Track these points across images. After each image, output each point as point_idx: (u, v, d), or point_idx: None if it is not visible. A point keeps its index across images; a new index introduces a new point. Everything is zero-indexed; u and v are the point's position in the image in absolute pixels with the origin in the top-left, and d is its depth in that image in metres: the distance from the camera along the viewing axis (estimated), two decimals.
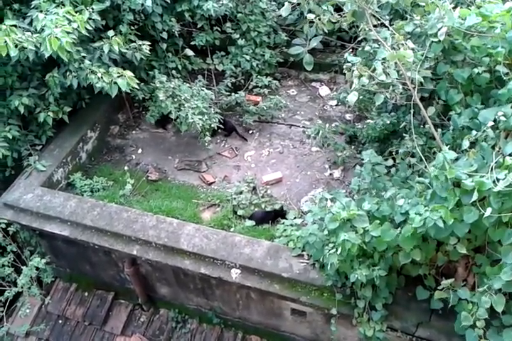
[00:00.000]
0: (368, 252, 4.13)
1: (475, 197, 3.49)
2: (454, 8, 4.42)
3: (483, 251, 3.90)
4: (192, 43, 6.80)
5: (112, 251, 5.46)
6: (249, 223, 5.50)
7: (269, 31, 7.04)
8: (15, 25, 5.20)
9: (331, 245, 4.14)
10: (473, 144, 3.97)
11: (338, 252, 3.97)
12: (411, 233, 3.68)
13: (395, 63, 4.28)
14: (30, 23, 5.39)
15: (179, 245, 5.06)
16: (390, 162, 4.69)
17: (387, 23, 4.76)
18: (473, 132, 3.97)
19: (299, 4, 4.69)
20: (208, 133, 6.18)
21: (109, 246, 5.31)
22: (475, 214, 3.54)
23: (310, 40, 6.91)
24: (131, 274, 5.62)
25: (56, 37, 5.00)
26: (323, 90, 7.09)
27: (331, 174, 6.00)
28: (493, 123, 3.90)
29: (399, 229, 3.86)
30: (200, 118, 6.01)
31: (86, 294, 6.19)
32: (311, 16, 4.62)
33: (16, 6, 5.64)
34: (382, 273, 4.04)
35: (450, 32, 4.37)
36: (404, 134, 4.89)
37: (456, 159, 3.87)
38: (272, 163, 6.30)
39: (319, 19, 4.70)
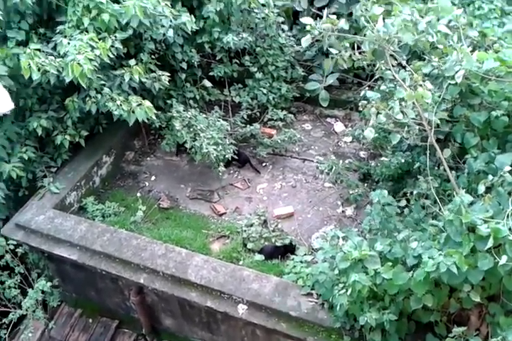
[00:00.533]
0: (378, 294, 4.07)
1: (490, 244, 3.45)
2: (472, 51, 4.47)
3: (497, 300, 3.83)
4: (210, 74, 6.92)
5: (119, 278, 5.43)
6: (259, 257, 5.46)
7: (286, 66, 7.15)
8: (39, 49, 5.36)
9: (340, 285, 4.09)
10: (488, 189, 3.95)
11: (348, 293, 3.91)
12: (423, 277, 3.62)
13: (413, 103, 4.31)
14: (54, 48, 5.54)
15: (187, 276, 5.02)
16: (404, 202, 4.66)
17: (404, 62, 4.81)
18: (490, 177, 3.95)
19: (317, 41, 4.77)
20: (221, 163, 6.21)
21: (117, 273, 5.29)
22: (490, 262, 3.50)
23: (327, 76, 7.03)
24: (136, 303, 5.58)
25: (78, 63, 5.12)
26: (338, 126, 7.13)
27: (343, 211, 5.97)
28: (510, 168, 3.89)
29: (411, 272, 3.80)
30: (214, 149, 6.06)
31: (90, 320, 6.15)
32: (333, 51, 4.68)
33: (41, 31, 5.80)
34: (393, 318, 3.96)
35: (467, 75, 4.40)
36: (418, 175, 4.88)
37: (471, 203, 3.84)
38: (284, 196, 6.29)
39: (340, 55, 4.77)
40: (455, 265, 3.50)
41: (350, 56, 4.76)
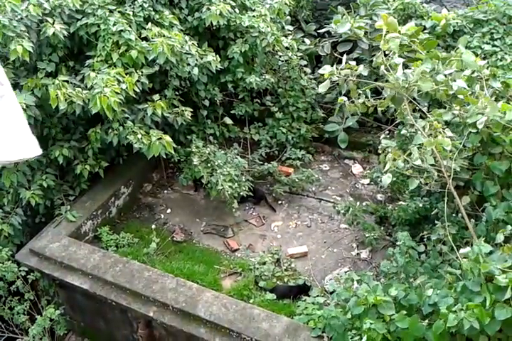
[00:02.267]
0: None
1: (508, 295, 3.40)
2: (495, 102, 4.53)
3: None
4: (232, 112, 7.07)
5: (128, 310, 5.38)
6: (270, 296, 5.40)
7: (307, 107, 7.29)
8: (67, 81, 5.53)
9: (354, 331, 4.01)
10: (507, 239, 3.93)
11: None
12: (442, 330, 3.56)
13: (432, 150, 4.35)
14: (82, 80, 5.71)
15: (196, 312, 4.97)
16: (422, 248, 4.63)
17: (425, 109, 4.88)
18: (509, 226, 3.93)
19: (338, 84, 4.88)
20: (235, 200, 6.23)
21: (127, 305, 5.25)
22: (508, 312, 3.43)
23: (346, 118, 7.14)
24: (144, 336, 5.51)
25: (105, 95, 5.27)
26: (356, 168, 7.17)
27: (358, 254, 5.92)
28: None
29: (426, 321, 3.74)
30: (230, 186, 6.10)
31: None
32: (344, 99, 4.79)
33: (70, 63, 5.99)
34: None
35: (489, 124, 4.45)
36: (436, 220, 4.86)
37: (490, 253, 3.81)
38: (298, 235, 6.27)
39: (352, 102, 4.87)
40: (477, 320, 3.44)
41: (364, 103, 4.88)
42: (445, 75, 4.45)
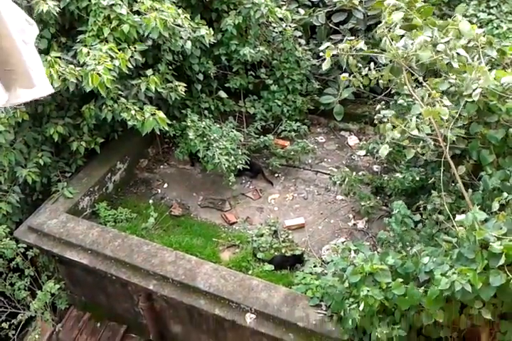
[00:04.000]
0: (388, 309, 4.05)
1: (502, 261, 3.45)
2: (490, 70, 4.50)
3: (509, 318, 3.80)
4: (226, 85, 7.00)
5: (128, 284, 5.45)
6: (268, 267, 5.46)
7: (302, 79, 7.20)
8: (59, 57, 5.44)
9: (351, 299, 4.08)
10: (503, 206, 3.96)
11: (361, 308, 3.90)
12: (437, 295, 3.61)
13: (429, 119, 4.34)
14: (74, 56, 5.61)
15: (196, 284, 5.03)
16: (418, 217, 4.67)
17: (421, 79, 4.85)
18: (505, 194, 3.96)
19: (333, 55, 4.83)
20: (232, 174, 6.24)
21: (127, 279, 5.31)
22: (502, 278, 3.48)
23: (342, 90, 7.08)
24: (145, 309, 5.59)
25: (98, 73, 5.19)
26: (352, 140, 7.16)
27: (354, 224, 5.97)
28: None
29: (422, 288, 3.80)
30: (226, 159, 6.09)
31: (98, 324, 6.16)
32: (345, 75, 4.76)
33: (62, 39, 5.88)
34: (402, 333, 3.94)
35: (485, 93, 4.43)
36: (432, 190, 4.89)
37: (485, 220, 3.84)
38: (295, 207, 6.31)
39: (354, 77, 4.84)
40: (469, 283, 3.50)
41: (367, 75, 4.84)
42: (444, 44, 4.41)
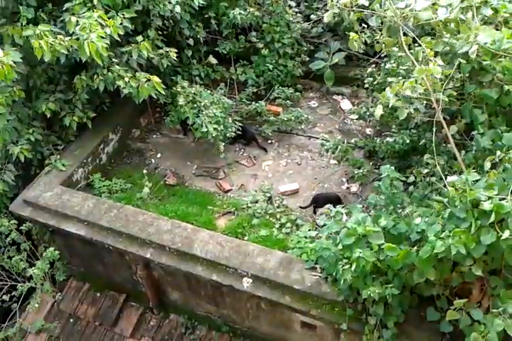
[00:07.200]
0: (381, 269, 4.11)
1: (492, 218, 3.47)
2: None
3: (499, 274, 3.87)
4: (216, 49, 6.88)
5: (126, 253, 5.51)
6: (264, 232, 5.50)
7: (293, 43, 7.08)
8: (48, 30, 5.28)
9: (344, 261, 4.13)
10: (494, 165, 3.96)
11: (353, 269, 3.95)
12: (429, 255, 3.66)
13: (422, 79, 4.27)
14: (62, 27, 5.47)
15: (192, 251, 5.09)
16: (411, 179, 4.68)
17: (416, 38, 4.75)
18: (498, 153, 3.95)
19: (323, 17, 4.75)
20: (221, 142, 6.17)
21: (124, 248, 5.36)
22: (492, 236, 3.52)
23: (333, 54, 6.96)
24: (143, 277, 5.67)
25: (92, 41, 5.07)
26: (345, 104, 7.08)
27: (348, 188, 5.99)
28: None
29: (415, 248, 3.84)
30: (215, 128, 6.01)
31: (98, 294, 6.25)
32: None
33: (48, 8, 5.73)
34: (395, 292, 4.01)
35: (479, 53, 4.35)
36: (424, 152, 4.86)
37: (477, 180, 3.85)
38: (289, 173, 6.31)
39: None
40: (464, 245, 3.53)
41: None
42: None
